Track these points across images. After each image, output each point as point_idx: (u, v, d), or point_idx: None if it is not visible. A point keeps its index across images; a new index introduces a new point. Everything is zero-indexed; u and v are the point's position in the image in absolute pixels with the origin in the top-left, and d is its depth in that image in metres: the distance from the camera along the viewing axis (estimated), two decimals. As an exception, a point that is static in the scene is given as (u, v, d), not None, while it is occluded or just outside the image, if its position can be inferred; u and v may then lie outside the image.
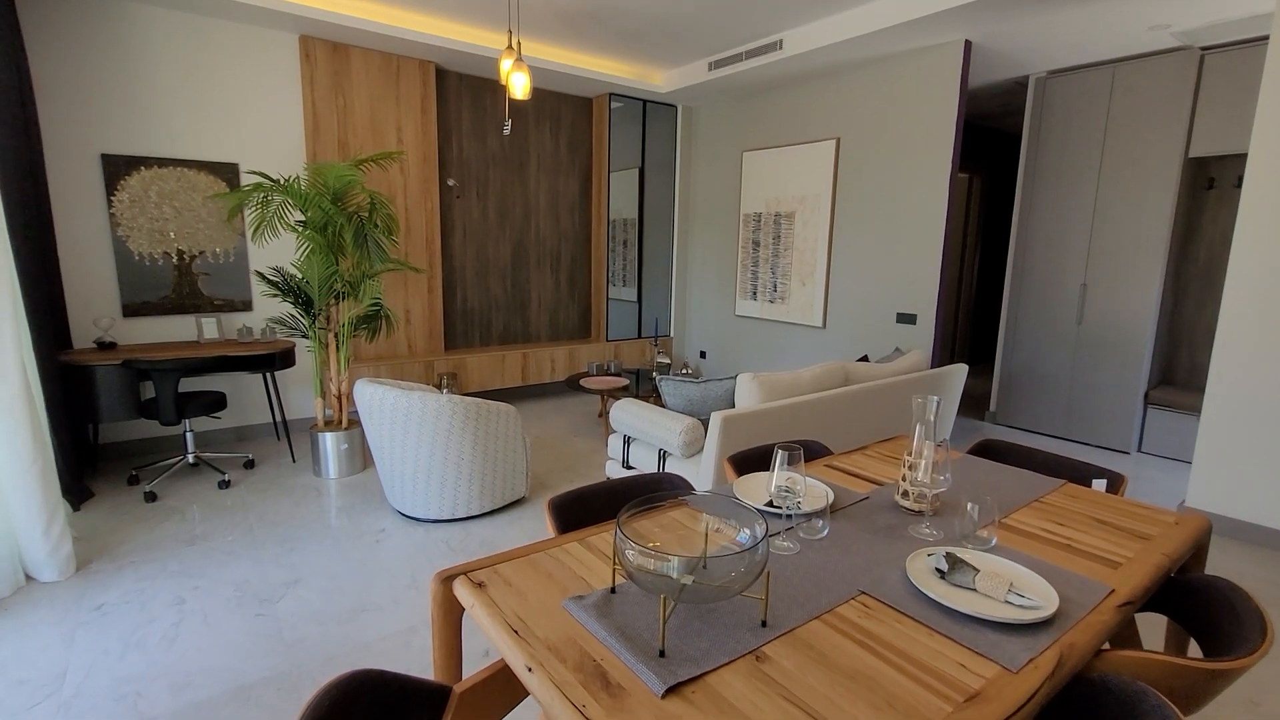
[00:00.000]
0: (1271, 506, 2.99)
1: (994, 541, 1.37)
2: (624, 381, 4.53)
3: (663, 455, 2.98)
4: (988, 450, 2.19)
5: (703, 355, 6.26)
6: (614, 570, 1.19)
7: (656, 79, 5.47)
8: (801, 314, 5.15)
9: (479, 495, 3.07)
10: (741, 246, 5.61)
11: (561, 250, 5.75)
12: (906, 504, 1.56)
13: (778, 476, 1.41)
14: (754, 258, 5.50)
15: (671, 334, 6.40)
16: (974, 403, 5.69)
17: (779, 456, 1.39)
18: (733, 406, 3.00)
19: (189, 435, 3.51)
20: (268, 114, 4.11)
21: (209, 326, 3.89)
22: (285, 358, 3.79)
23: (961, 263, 6.96)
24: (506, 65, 3.37)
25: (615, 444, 3.29)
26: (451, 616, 1.22)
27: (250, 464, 3.73)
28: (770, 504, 1.48)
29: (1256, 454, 3.01)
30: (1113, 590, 1.20)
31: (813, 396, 2.97)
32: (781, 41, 4.36)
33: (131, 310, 3.81)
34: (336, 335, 3.61)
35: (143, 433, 3.92)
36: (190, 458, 3.51)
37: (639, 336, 6.15)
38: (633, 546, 1.00)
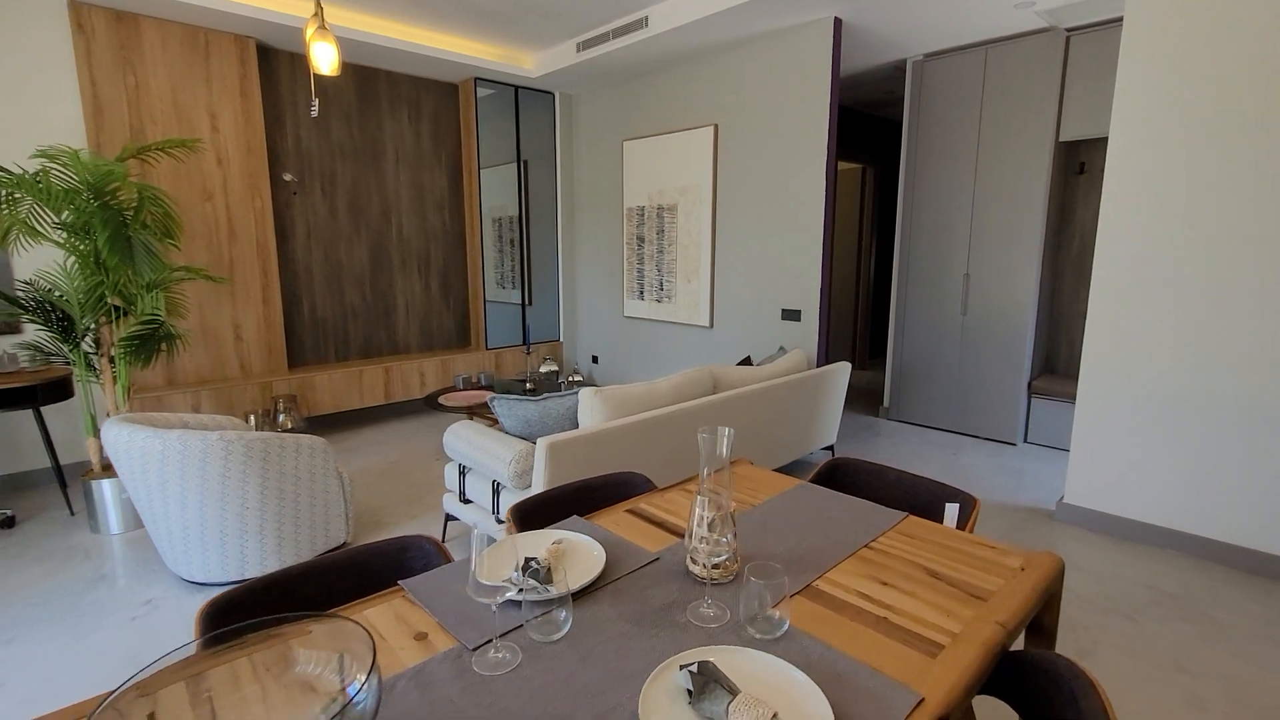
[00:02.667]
0: (1146, 500, 2.87)
1: (786, 626, 1.02)
2: (486, 395, 4.06)
3: (496, 488, 2.55)
4: (835, 474, 1.88)
5: (595, 360, 5.87)
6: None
7: (526, 62, 5.02)
8: (689, 313, 4.84)
9: (277, 549, 2.55)
10: (626, 243, 5.26)
11: (431, 251, 5.22)
12: (696, 570, 1.20)
13: (508, 555, 1.02)
14: (639, 254, 5.15)
15: (561, 338, 5.97)
16: (869, 398, 5.56)
17: (478, 545, 0.99)
18: (577, 426, 2.61)
19: (-88, 494, 2.80)
20: (30, 97, 3.39)
21: (-47, 355, 3.16)
22: (55, 390, 3.12)
23: (859, 256, 6.88)
24: (310, 34, 2.85)
25: (452, 474, 2.83)
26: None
27: (9, 522, 3.04)
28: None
29: (1129, 447, 2.89)
30: (922, 700, 0.87)
31: (665, 411, 2.62)
32: (647, 18, 4.01)
33: None
34: (113, 361, 2.98)
35: None
36: (-83, 521, 2.81)
37: (524, 343, 5.69)
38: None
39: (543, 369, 5.02)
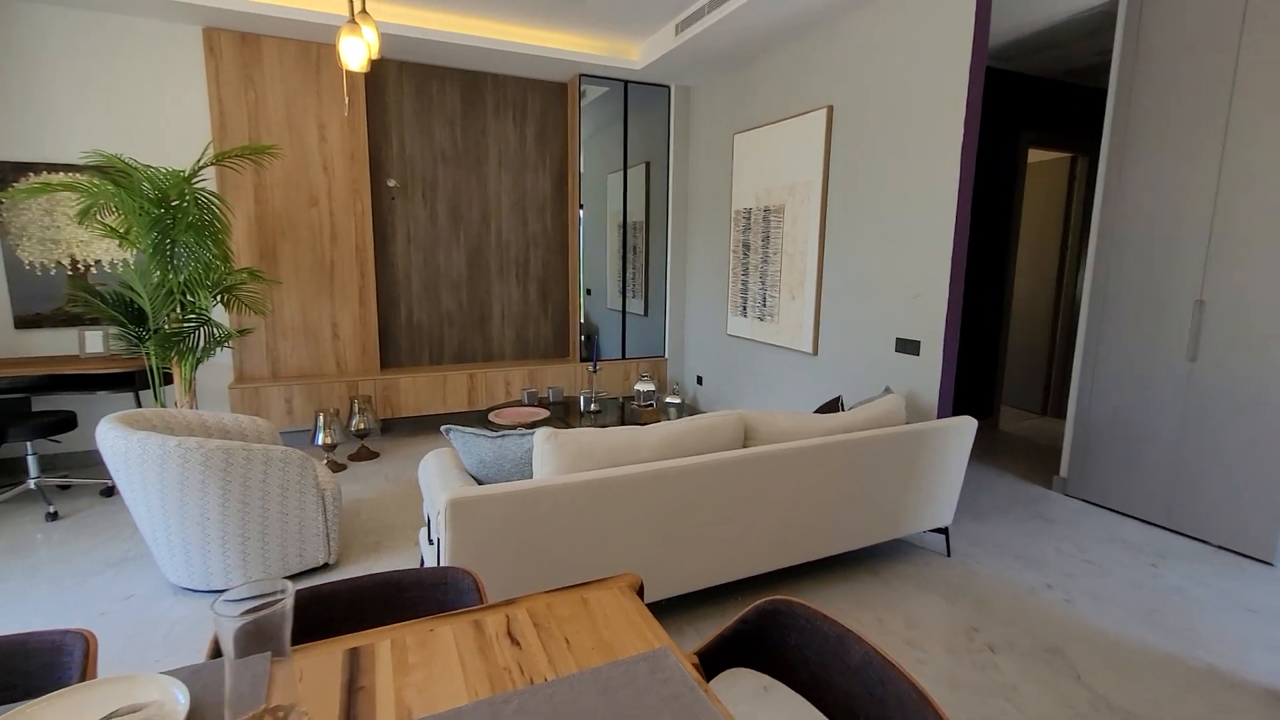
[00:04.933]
0: None
1: None
2: (540, 413, 3.72)
3: (438, 540, 2.16)
4: (766, 630, 1.15)
5: (699, 381, 5.26)
6: None
7: (632, 54, 4.62)
8: (790, 336, 4.03)
9: (241, 563, 2.44)
10: (732, 251, 4.58)
11: (530, 257, 5.07)
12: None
13: None
14: (744, 264, 4.45)
15: (666, 354, 5.46)
16: (1046, 459, 4.18)
17: None
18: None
19: (31, 458, 3.25)
20: (169, 113, 3.84)
21: (93, 340, 3.65)
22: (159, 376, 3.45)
23: (1060, 271, 5.32)
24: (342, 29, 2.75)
25: (424, 507, 2.51)
26: None
27: (109, 492, 3.42)
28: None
29: None
30: None
31: (638, 470, 1.99)
32: (741, -17, 3.35)
33: (24, 322, 3.67)
34: (180, 354, 3.19)
35: (44, 449, 3.77)
36: (32, 483, 3.25)
37: (623, 357, 5.30)
38: None
39: (639, 387, 4.58)
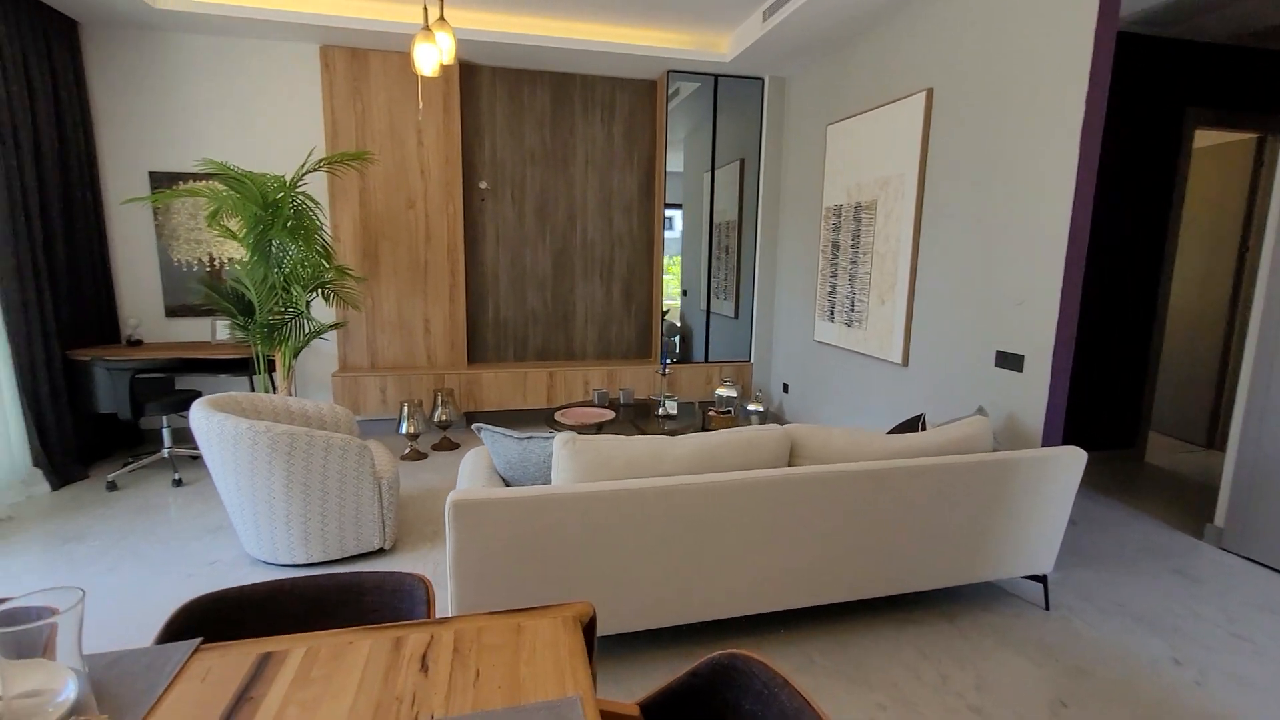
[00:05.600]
0: None
1: None
2: (606, 415, 3.67)
3: (464, 534, 2.16)
4: (718, 683, 0.98)
5: (785, 389, 4.97)
6: None
7: (721, 46, 4.44)
8: (879, 345, 3.66)
9: (302, 542, 2.60)
10: (821, 250, 4.26)
11: (615, 257, 5.04)
12: None
13: None
14: (833, 265, 4.12)
15: (752, 359, 5.21)
16: (1196, 504, 3.47)
17: None
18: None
19: (165, 431, 3.71)
20: (291, 125, 4.23)
21: (221, 329, 4.12)
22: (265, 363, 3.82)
23: (1239, 272, 4.42)
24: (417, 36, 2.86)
25: (468, 503, 2.54)
26: None
27: (225, 464, 3.83)
28: None
29: None
30: None
31: (662, 483, 1.86)
32: (828, -41, 3.09)
33: (172, 311, 4.22)
34: (279, 342, 3.50)
35: (176, 423, 4.32)
36: (165, 452, 3.71)
37: (705, 360, 5.13)
38: None
39: (720, 392, 4.43)
